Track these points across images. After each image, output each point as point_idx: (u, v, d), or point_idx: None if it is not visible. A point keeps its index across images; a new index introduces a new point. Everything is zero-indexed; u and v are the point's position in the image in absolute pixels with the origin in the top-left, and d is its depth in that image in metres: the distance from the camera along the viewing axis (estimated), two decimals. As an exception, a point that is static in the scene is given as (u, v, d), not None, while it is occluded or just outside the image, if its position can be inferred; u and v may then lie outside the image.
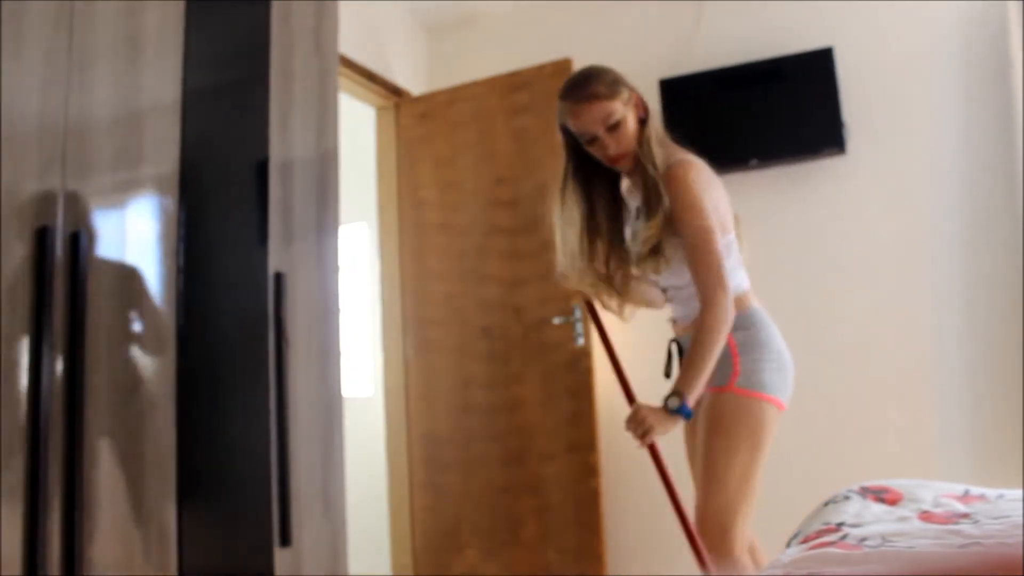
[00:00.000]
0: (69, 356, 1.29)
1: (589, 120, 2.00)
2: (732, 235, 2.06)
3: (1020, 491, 1.80)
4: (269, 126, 1.82)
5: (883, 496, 1.84)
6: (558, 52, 3.58)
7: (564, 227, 2.14)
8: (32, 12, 1.28)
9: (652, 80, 3.50)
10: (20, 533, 1.20)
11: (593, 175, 2.13)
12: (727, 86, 3.37)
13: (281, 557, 1.70)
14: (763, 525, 2.98)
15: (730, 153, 3.36)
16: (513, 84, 3.55)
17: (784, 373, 2.05)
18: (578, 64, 3.50)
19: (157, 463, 1.46)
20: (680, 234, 1.97)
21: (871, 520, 1.65)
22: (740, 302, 2.03)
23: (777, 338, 2.07)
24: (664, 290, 2.18)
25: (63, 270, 1.29)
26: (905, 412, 3.11)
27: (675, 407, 1.89)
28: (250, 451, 1.71)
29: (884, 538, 1.43)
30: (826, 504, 1.87)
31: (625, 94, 2.02)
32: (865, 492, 1.87)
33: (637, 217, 2.09)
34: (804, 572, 1.26)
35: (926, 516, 1.64)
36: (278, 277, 1.77)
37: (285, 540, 1.71)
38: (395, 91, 3.74)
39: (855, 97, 3.24)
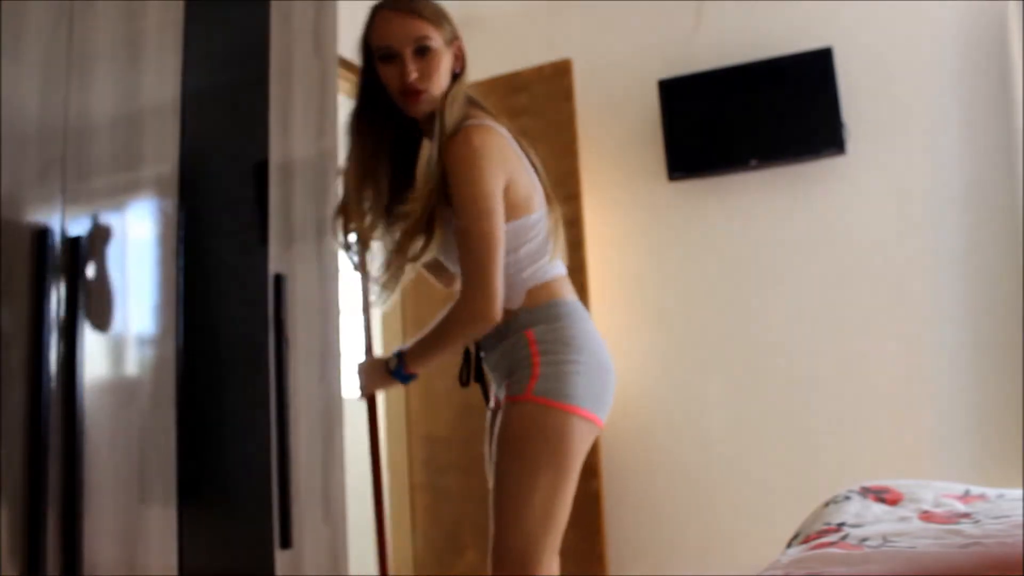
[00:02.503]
0: (69, 357, 1.29)
1: (399, 33, 1.65)
2: (537, 215, 1.73)
3: (1020, 491, 1.80)
4: (269, 127, 1.82)
5: (883, 496, 1.84)
6: (558, 53, 3.58)
7: (347, 167, 1.80)
8: (32, 12, 1.28)
9: (652, 80, 3.51)
10: (20, 533, 1.20)
11: (394, 122, 1.77)
12: (727, 86, 3.37)
13: (281, 558, 1.70)
14: (763, 525, 2.97)
15: (730, 153, 3.36)
16: (513, 85, 3.54)
17: (599, 381, 1.67)
18: (578, 64, 3.51)
19: (157, 463, 1.46)
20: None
21: (872, 520, 1.65)
22: (546, 290, 1.71)
23: (593, 338, 1.70)
24: (454, 275, 1.90)
25: (63, 272, 1.29)
26: (905, 412, 3.10)
27: (393, 367, 1.70)
28: (250, 451, 1.71)
29: (885, 538, 1.43)
30: (827, 504, 1.87)
31: (449, 32, 1.71)
32: (865, 492, 1.87)
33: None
34: (805, 572, 1.26)
35: (927, 516, 1.64)
36: (278, 278, 1.77)
37: (285, 541, 1.71)
38: (395, 92, 3.73)
39: (855, 97, 3.23)
